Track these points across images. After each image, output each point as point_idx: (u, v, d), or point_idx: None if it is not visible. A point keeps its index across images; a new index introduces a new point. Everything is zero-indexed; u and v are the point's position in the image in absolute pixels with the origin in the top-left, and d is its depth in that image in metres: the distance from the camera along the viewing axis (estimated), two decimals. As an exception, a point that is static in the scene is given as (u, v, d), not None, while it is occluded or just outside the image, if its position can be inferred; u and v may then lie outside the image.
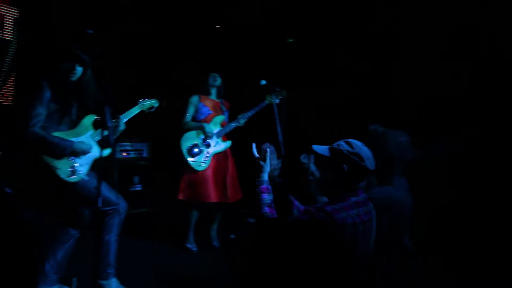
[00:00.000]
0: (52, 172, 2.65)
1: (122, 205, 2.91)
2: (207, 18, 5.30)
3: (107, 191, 2.72)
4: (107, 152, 2.78)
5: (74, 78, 2.76)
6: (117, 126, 2.88)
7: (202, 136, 3.90)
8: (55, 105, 2.69)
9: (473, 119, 4.06)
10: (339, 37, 5.04)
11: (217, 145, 3.97)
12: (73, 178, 2.70)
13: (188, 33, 5.40)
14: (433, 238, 3.53)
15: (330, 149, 1.96)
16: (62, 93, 2.72)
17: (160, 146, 5.15)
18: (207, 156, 3.88)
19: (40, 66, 2.96)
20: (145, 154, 5.09)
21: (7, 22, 4.29)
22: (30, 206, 3.41)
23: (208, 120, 3.96)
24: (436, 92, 4.25)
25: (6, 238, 3.15)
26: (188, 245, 3.94)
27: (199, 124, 3.91)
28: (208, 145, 3.91)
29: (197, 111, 3.97)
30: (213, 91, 4.03)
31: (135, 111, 3.10)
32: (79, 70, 2.76)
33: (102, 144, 2.63)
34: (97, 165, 2.81)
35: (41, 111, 2.63)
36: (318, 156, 2.02)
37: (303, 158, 2.32)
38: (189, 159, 3.84)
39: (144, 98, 3.20)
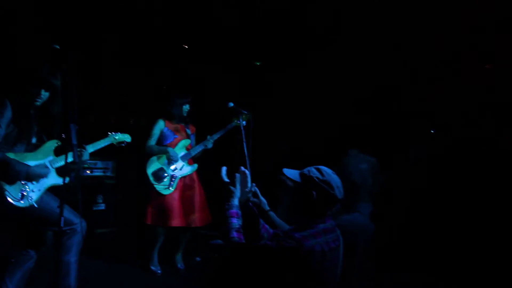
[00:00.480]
0: (0, 194, 2.51)
1: (81, 224, 2.80)
2: (176, 38, 5.29)
3: (66, 211, 2.60)
4: (65, 180, 2.57)
5: (38, 103, 2.68)
6: (81, 156, 2.77)
7: (166, 161, 3.87)
8: (14, 126, 2.59)
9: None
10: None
11: (183, 169, 3.93)
12: (21, 203, 2.57)
13: (156, 51, 5.35)
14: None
15: (301, 175, 1.97)
16: (24, 116, 2.63)
17: (125, 165, 5.04)
18: (173, 180, 3.84)
19: (4, 86, 2.84)
20: (109, 173, 4.96)
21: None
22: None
23: (173, 145, 3.93)
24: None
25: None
26: (152, 267, 3.86)
27: (163, 148, 3.88)
28: (174, 169, 3.88)
29: (162, 135, 3.93)
30: (178, 115, 3.98)
31: (104, 143, 3.01)
32: (45, 95, 2.67)
33: (62, 172, 2.53)
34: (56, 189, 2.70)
35: (0, 131, 2.53)
36: (286, 179, 2.02)
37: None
38: (155, 183, 3.80)
39: (116, 132, 3.11)
